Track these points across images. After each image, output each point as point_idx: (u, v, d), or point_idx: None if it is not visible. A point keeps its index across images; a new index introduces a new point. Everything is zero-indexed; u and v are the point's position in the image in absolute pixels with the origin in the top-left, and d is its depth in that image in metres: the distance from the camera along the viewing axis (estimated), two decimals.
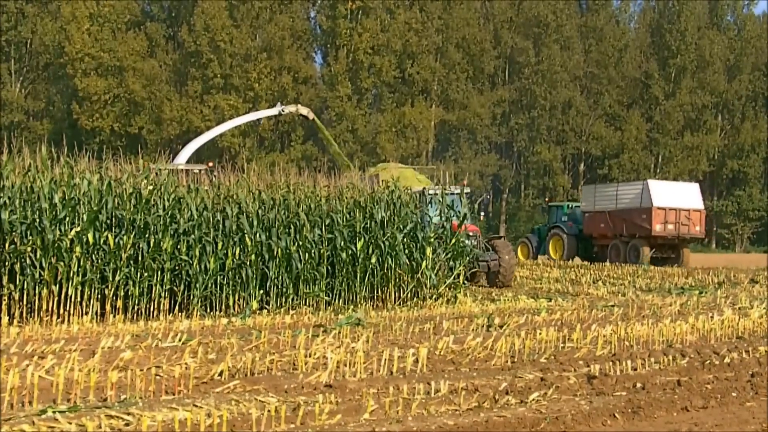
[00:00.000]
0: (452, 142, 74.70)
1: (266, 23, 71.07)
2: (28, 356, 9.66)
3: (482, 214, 29.55)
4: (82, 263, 14.20)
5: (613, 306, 17.17)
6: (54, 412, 7.03)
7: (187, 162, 33.55)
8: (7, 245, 13.76)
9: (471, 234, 22.90)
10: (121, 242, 14.63)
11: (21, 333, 12.09)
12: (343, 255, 17.25)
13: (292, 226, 16.95)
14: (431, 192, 23.25)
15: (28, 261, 13.87)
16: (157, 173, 16.70)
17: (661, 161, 77.75)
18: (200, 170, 26.57)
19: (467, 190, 25.01)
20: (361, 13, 72.71)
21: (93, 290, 14.33)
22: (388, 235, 17.80)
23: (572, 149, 78.53)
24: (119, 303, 14.61)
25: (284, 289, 16.53)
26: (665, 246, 38.20)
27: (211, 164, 30.01)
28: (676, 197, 38.43)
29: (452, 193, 24.10)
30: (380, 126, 70.80)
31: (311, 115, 41.66)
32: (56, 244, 14.02)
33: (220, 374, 8.82)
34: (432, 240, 18.63)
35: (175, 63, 73.04)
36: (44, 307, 13.81)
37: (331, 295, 17.19)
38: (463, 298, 18.75)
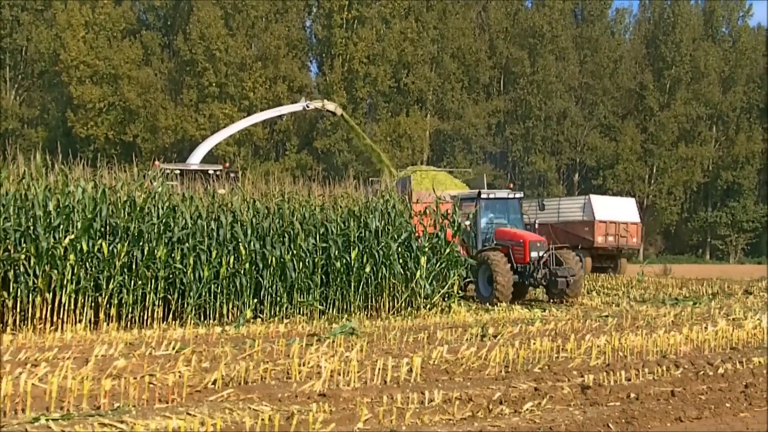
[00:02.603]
0: (447, 151, 74.68)
1: (262, 32, 71.06)
2: (21, 364, 9.64)
3: (536, 221, 27.43)
4: (75, 271, 14.19)
5: (607, 316, 17.16)
6: (47, 420, 7.02)
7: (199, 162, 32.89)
8: (0, 252, 13.74)
9: (538, 245, 21.63)
10: (115, 250, 14.63)
11: (14, 341, 12.07)
12: (338, 264, 17.24)
13: (286, 235, 16.95)
14: (491, 195, 22.76)
15: (21, 269, 13.85)
16: (152, 179, 16.62)
17: (656, 172, 77.76)
18: (215, 171, 26.12)
19: (519, 194, 24.03)
20: (357, 22, 72.75)
21: (87, 298, 14.31)
22: (383, 244, 17.79)
23: (567, 160, 78.60)
24: (113, 311, 14.60)
25: (278, 298, 16.52)
26: (604, 256, 40.28)
27: (227, 165, 29.34)
28: (616, 211, 41.18)
29: (507, 198, 23.24)
30: (375, 135, 70.74)
31: (339, 111, 40.16)
32: (50, 252, 14.01)
33: (214, 383, 8.81)
34: (426, 249, 18.57)
35: (170, 71, 72.96)
36: (38, 314, 13.79)
37: (325, 304, 17.19)
38: (457, 307, 18.73)
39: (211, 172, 25.47)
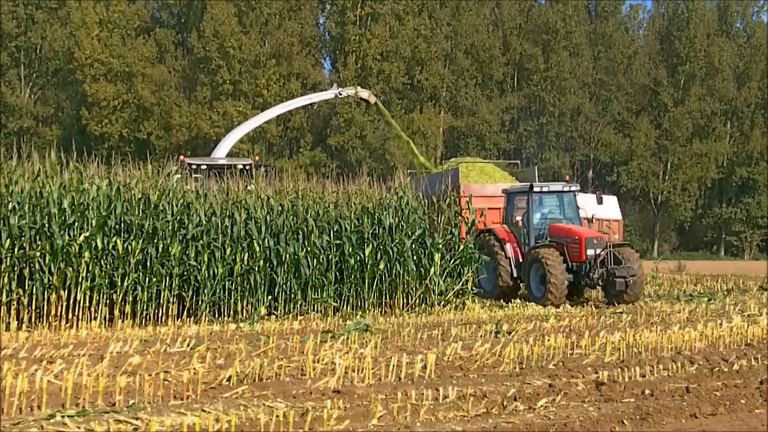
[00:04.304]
0: (461, 148, 74.46)
1: (275, 29, 71.07)
2: (36, 361, 9.69)
3: (592, 215, 24.47)
4: (90, 268, 14.24)
5: (621, 313, 17.13)
6: (63, 417, 7.05)
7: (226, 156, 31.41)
8: (16, 250, 13.80)
9: (595, 242, 20.09)
10: (129, 247, 14.67)
11: (30, 338, 12.13)
12: (352, 261, 17.22)
13: (300, 232, 16.95)
14: (545, 189, 21.48)
15: (37, 266, 13.91)
16: (169, 174, 16.62)
17: (670, 168, 77.46)
18: (245, 166, 25.23)
19: (576, 187, 22.68)
20: (370, 19, 72.69)
21: (101, 295, 14.36)
22: (397, 241, 17.77)
23: (581, 156, 78.37)
24: (128, 308, 14.64)
25: (292, 295, 16.53)
26: None
27: (258, 158, 28.42)
28: (599, 208, 40.57)
29: (562, 191, 21.94)
30: (389, 132, 70.75)
31: (373, 99, 38.19)
32: (65, 249, 14.07)
33: (229, 379, 8.83)
34: (440, 246, 18.49)
35: (184, 69, 73.07)
36: (53, 311, 13.85)
37: (339, 301, 17.17)
38: (471, 304, 18.70)
39: (240, 166, 24.71)
